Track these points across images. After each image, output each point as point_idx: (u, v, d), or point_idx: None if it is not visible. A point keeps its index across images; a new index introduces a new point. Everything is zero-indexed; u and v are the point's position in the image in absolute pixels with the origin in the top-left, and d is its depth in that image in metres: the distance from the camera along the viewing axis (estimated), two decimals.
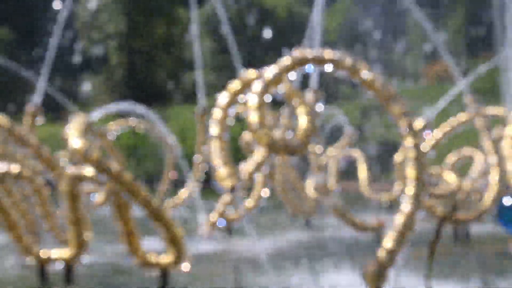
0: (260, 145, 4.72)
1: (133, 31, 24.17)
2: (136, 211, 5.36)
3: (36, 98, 7.16)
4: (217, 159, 4.64)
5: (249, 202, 8.87)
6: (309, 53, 4.94)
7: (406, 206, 4.56)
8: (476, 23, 27.11)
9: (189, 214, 11.81)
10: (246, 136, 8.46)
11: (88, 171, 5.25)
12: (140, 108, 10.19)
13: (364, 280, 4.34)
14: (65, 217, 5.73)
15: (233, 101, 5.13)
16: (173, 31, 24.91)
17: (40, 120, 7.32)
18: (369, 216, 10.23)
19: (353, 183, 14.41)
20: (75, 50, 26.53)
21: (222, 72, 22.40)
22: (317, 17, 8.19)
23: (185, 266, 5.38)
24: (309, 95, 5.90)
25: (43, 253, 5.99)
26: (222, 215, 8.22)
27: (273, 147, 4.62)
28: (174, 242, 5.20)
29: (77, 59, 27.03)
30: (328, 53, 4.92)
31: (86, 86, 26.22)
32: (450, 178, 7.95)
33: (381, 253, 4.40)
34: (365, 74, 4.84)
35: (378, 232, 7.58)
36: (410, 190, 4.61)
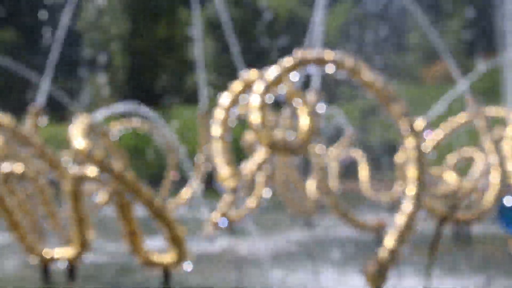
0: (262, 145, 4.76)
1: (135, 32, 24.19)
2: (139, 211, 5.39)
3: (40, 99, 7.19)
4: (219, 160, 4.67)
5: (250, 202, 8.91)
6: (310, 53, 4.98)
7: (407, 206, 4.59)
8: (476, 23, 27.11)
9: (191, 214, 11.83)
10: (248, 136, 8.52)
11: (91, 171, 5.29)
12: (143, 109, 10.23)
13: (365, 280, 4.37)
14: (68, 217, 5.77)
15: (235, 102, 5.16)
16: (175, 32, 24.90)
17: (43, 120, 7.36)
18: (370, 216, 10.25)
19: (354, 183, 14.44)
20: (78, 51, 26.55)
21: (224, 72, 22.41)
22: (318, 17, 8.23)
23: (187, 266, 5.42)
24: (310, 96, 5.94)
25: (46, 252, 6.03)
26: (224, 215, 8.25)
27: (274, 147, 4.65)
28: (176, 242, 5.24)
29: (80, 60, 27.05)
30: (329, 54, 4.95)
31: (89, 87, 26.22)
32: (451, 178, 7.97)
33: (382, 253, 4.43)
34: (366, 75, 4.88)
35: (379, 232, 7.61)
36: (411, 190, 4.65)
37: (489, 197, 8.03)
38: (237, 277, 6.05)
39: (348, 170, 14.94)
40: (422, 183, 4.64)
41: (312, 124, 4.82)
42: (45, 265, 6.05)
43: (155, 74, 24.79)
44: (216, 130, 4.94)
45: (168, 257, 5.40)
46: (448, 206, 7.35)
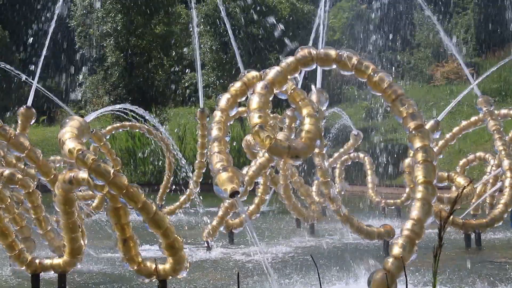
0: (263, 148, 4.52)
1: (130, 29, 23.94)
2: (134, 217, 5.14)
3: (29, 100, 6.95)
4: (218, 163, 4.44)
5: (251, 207, 8.65)
6: (313, 52, 4.73)
7: (415, 211, 4.35)
8: (486, 23, 26.90)
9: (189, 219, 11.62)
10: (248, 139, 8.22)
11: (83, 174, 5.02)
12: (138, 110, 9.98)
13: None
14: (59, 223, 5.53)
15: (234, 103, 4.93)
16: (172, 30, 24.66)
17: (31, 121, 7.09)
18: (376, 221, 10.02)
19: (360, 187, 14.20)
20: (71, 50, 26.42)
21: (223, 72, 22.19)
22: (321, 15, 8.00)
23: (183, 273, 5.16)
24: (313, 96, 5.69)
25: (36, 261, 5.77)
26: (223, 220, 8.01)
27: (276, 150, 4.42)
28: (173, 250, 4.98)
29: (72, 59, 26.90)
30: (333, 52, 4.71)
31: (82, 87, 26.00)
32: (461, 182, 7.70)
33: (389, 261, 4.19)
34: (372, 74, 4.63)
35: (385, 239, 7.34)
36: (419, 194, 4.40)
37: (501, 202, 7.77)
38: (237, 284, 5.79)
39: (354, 174, 14.73)
40: (431, 187, 4.39)
41: (315, 126, 4.60)
42: (35, 274, 5.81)
43: (151, 73, 24.54)
44: (215, 132, 4.73)
45: (164, 266, 5.14)
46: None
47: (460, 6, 30.12)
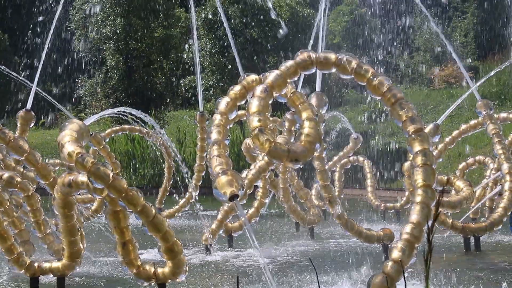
0: (262, 151, 4.52)
1: (130, 33, 23.92)
2: (133, 220, 5.14)
3: (28, 103, 6.94)
4: (217, 166, 4.43)
5: (251, 211, 8.64)
6: (313, 56, 4.73)
7: (414, 215, 4.34)
8: (486, 27, 26.93)
9: (188, 223, 11.61)
10: (248, 142, 8.22)
11: (83, 178, 5.01)
12: (138, 113, 9.97)
13: None
14: (58, 226, 5.52)
15: (234, 106, 4.93)
16: (171, 33, 24.65)
17: (30, 124, 7.07)
18: (376, 225, 10.00)
19: (359, 190, 14.19)
20: (70, 53, 26.40)
21: (223, 75, 22.17)
22: (321, 18, 8.00)
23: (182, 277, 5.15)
24: (313, 100, 5.68)
25: (35, 264, 5.76)
26: (222, 224, 7.99)
27: (276, 154, 4.42)
28: (172, 253, 4.96)
29: (71, 62, 26.87)
30: (332, 56, 4.71)
31: (81, 90, 25.97)
32: (461, 185, 7.69)
33: (389, 264, 4.19)
34: (371, 77, 4.63)
35: (385, 242, 7.33)
36: (418, 198, 4.40)
37: (500, 206, 7.76)
38: None
39: (353, 177, 14.72)
40: (430, 191, 4.39)
41: (315, 130, 4.59)
42: (34, 278, 5.80)
43: (151, 76, 24.52)
44: (214, 135, 4.73)
45: (163, 269, 5.13)
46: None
47: (460, 10, 30.15)
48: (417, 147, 4.46)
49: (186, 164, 11.56)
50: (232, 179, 4.29)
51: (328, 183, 7.38)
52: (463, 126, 8.57)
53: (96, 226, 9.16)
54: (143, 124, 11.53)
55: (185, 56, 24.76)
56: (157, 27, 24.58)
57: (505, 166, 7.68)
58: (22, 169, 6.68)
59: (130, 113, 10.90)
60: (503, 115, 8.54)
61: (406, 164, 7.86)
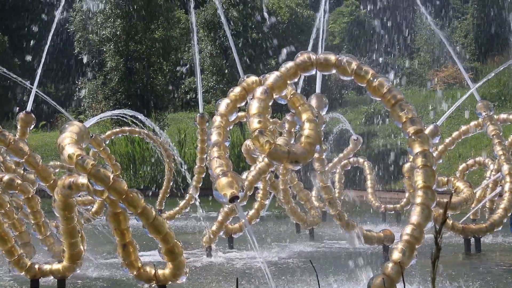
0: (262, 153, 4.52)
1: (130, 34, 23.90)
2: (133, 222, 5.13)
3: (28, 105, 6.94)
4: (217, 168, 4.43)
5: (251, 212, 8.64)
6: (313, 57, 4.73)
7: (414, 216, 4.34)
8: (485, 28, 26.92)
9: (189, 224, 11.60)
10: (248, 144, 8.22)
11: (83, 180, 5.01)
12: (138, 115, 9.97)
13: None
14: (58, 228, 5.51)
15: (234, 108, 4.93)
16: (171, 35, 24.65)
17: (31, 126, 7.07)
18: (376, 226, 10.00)
19: (359, 191, 14.17)
20: (70, 55, 26.38)
21: (222, 77, 22.17)
22: (321, 20, 8.01)
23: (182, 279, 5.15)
24: (313, 101, 5.68)
25: (35, 266, 5.76)
26: (223, 225, 7.99)
27: (276, 155, 4.42)
28: (173, 255, 4.96)
29: (72, 64, 26.85)
30: (332, 57, 4.71)
31: (81, 92, 25.95)
32: (461, 187, 7.69)
33: (389, 266, 4.18)
34: (371, 79, 4.63)
35: (385, 244, 7.33)
36: (418, 199, 4.40)
37: (501, 207, 7.76)
38: None
39: (353, 179, 14.71)
40: (430, 192, 4.39)
41: (315, 131, 4.59)
42: (35, 279, 5.79)
43: (151, 78, 24.51)
44: (214, 137, 4.72)
45: (163, 271, 5.12)
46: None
47: (460, 11, 30.17)
48: (417, 148, 4.46)
49: (187, 165, 11.55)
50: (232, 180, 4.28)
51: (328, 184, 7.38)
52: (463, 128, 8.57)
53: (96, 228, 9.15)
54: (143, 126, 11.53)
55: (185, 57, 24.77)
56: (157, 29, 24.58)
57: (505, 167, 7.68)
58: (22, 171, 6.68)
59: (130, 115, 10.90)
60: (503, 116, 8.54)
61: (406, 166, 7.85)
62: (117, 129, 11.76)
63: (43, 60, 7.09)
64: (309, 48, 8.90)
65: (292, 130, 6.78)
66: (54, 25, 7.09)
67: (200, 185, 10.71)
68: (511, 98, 20.31)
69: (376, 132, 20.45)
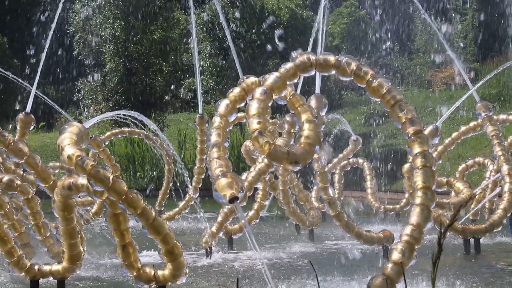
0: (262, 154, 4.52)
1: (129, 35, 23.88)
2: (133, 223, 5.13)
3: (28, 106, 6.94)
4: (217, 169, 4.43)
5: (251, 213, 8.64)
6: (312, 58, 4.73)
7: (414, 217, 4.34)
8: (485, 28, 26.92)
9: (188, 225, 11.60)
10: (248, 144, 8.23)
11: (83, 180, 5.01)
12: (137, 115, 9.96)
13: None
14: (58, 229, 5.51)
15: (233, 109, 4.93)
16: (170, 36, 24.63)
17: (30, 127, 7.06)
18: (376, 227, 10.00)
19: (359, 192, 14.18)
20: (69, 56, 26.33)
21: (222, 78, 22.17)
22: (320, 21, 8.01)
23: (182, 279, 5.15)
24: (312, 102, 5.68)
25: (35, 267, 5.76)
26: (222, 226, 7.99)
27: (275, 156, 4.42)
28: (172, 255, 4.96)
29: (71, 65, 26.80)
30: (332, 58, 4.71)
31: (81, 93, 25.93)
32: (461, 187, 7.69)
33: (389, 266, 4.18)
34: (371, 79, 4.63)
35: (385, 244, 7.33)
36: (418, 200, 4.40)
37: (500, 208, 7.76)
38: None
39: (353, 179, 14.71)
40: (430, 193, 4.39)
41: (314, 132, 4.59)
42: (35, 280, 5.79)
43: (150, 79, 24.50)
44: (214, 137, 4.72)
45: (163, 272, 5.12)
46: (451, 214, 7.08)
47: (459, 12, 30.17)
48: (416, 149, 4.46)
49: (186, 166, 11.55)
50: (232, 181, 4.28)
51: (328, 185, 7.38)
52: (463, 128, 8.57)
53: (96, 229, 9.16)
54: (142, 127, 11.53)
55: (184, 58, 24.76)
56: (156, 30, 24.57)
57: (505, 168, 7.68)
58: (22, 172, 6.68)
59: (130, 116, 10.89)
60: (502, 116, 8.54)
61: (406, 166, 7.86)
62: (117, 130, 11.76)
63: (42, 61, 7.09)
64: (309, 49, 8.92)
65: (292, 130, 6.78)
66: (53, 26, 7.10)
67: (199, 185, 10.71)
68: (510, 99, 20.31)
69: (376, 133, 20.45)
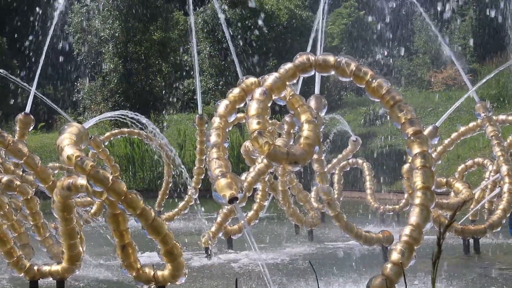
0: (262, 154, 4.52)
1: (128, 36, 23.88)
2: (132, 223, 5.13)
3: (27, 106, 6.93)
4: (216, 169, 4.43)
5: (250, 213, 8.64)
6: (312, 58, 4.73)
7: (413, 217, 4.34)
8: (484, 29, 26.93)
9: (188, 225, 11.60)
10: (247, 145, 8.23)
11: (82, 181, 5.01)
12: (137, 116, 9.95)
13: None
14: (57, 230, 5.51)
15: (233, 109, 4.93)
16: (170, 36, 24.63)
17: (29, 127, 7.05)
18: (375, 227, 10.00)
19: (358, 193, 14.18)
20: (69, 56, 26.31)
21: (221, 78, 22.18)
22: (320, 21, 8.01)
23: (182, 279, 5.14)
24: (312, 102, 5.69)
25: (35, 268, 5.76)
26: (222, 226, 7.99)
27: (275, 156, 4.42)
28: (172, 256, 4.96)
29: (70, 65, 26.80)
30: (331, 59, 4.71)
31: (80, 94, 25.93)
32: (460, 187, 7.69)
33: (388, 267, 4.18)
34: (370, 80, 4.63)
35: (384, 245, 7.33)
36: (417, 200, 4.40)
37: (499, 208, 7.76)
38: None
39: (352, 180, 14.71)
40: (429, 193, 4.39)
41: (314, 132, 4.59)
42: (34, 281, 5.79)
43: (150, 79, 24.49)
44: (213, 138, 4.72)
45: (163, 272, 5.12)
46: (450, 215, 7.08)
47: (459, 13, 30.18)
48: (416, 149, 4.45)
49: (186, 167, 11.55)
50: (231, 181, 4.28)
51: (327, 185, 7.38)
52: (462, 129, 8.58)
53: (95, 229, 9.15)
54: (142, 127, 11.53)
55: (183, 59, 24.75)
56: (156, 30, 24.57)
57: (504, 168, 7.68)
58: (21, 173, 6.68)
59: (129, 116, 10.88)
60: (501, 117, 8.55)
61: (405, 166, 7.86)
62: (116, 131, 11.76)
63: (41, 61, 7.09)
64: (308, 49, 8.91)
65: (291, 131, 6.78)
66: (52, 27, 7.09)
67: (199, 186, 10.71)
68: (510, 99, 20.32)
69: (375, 133, 20.45)
